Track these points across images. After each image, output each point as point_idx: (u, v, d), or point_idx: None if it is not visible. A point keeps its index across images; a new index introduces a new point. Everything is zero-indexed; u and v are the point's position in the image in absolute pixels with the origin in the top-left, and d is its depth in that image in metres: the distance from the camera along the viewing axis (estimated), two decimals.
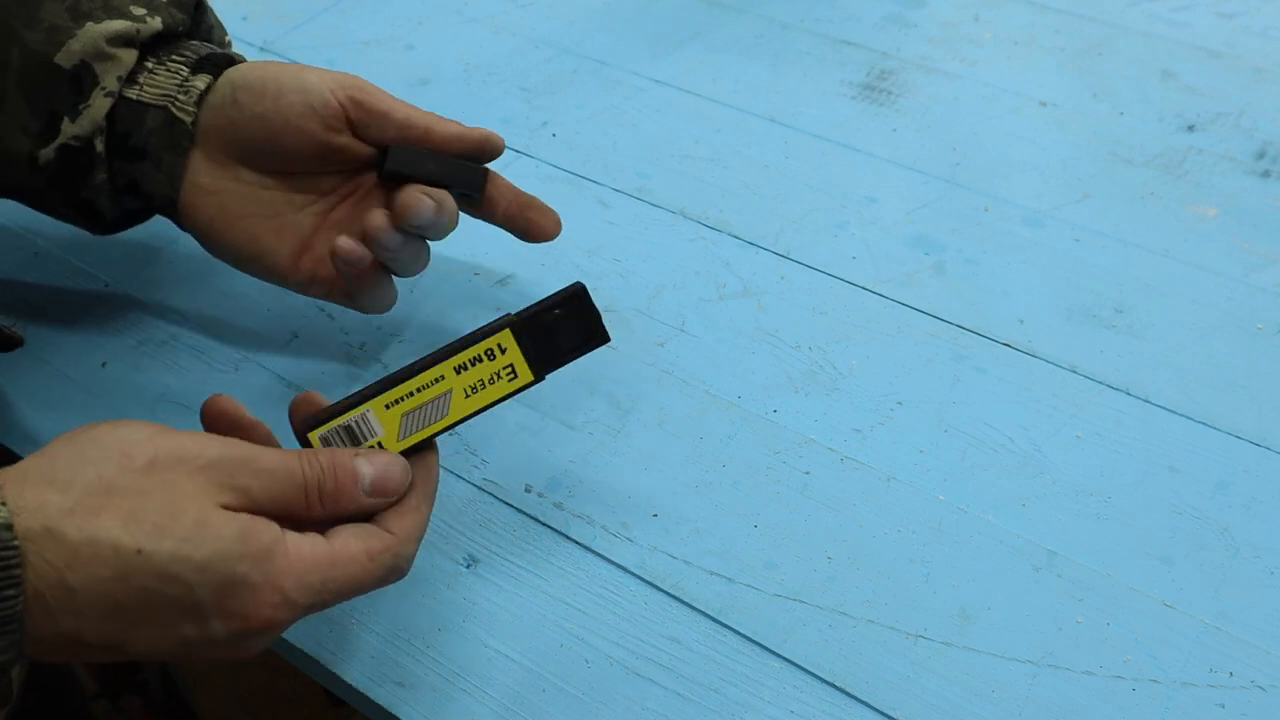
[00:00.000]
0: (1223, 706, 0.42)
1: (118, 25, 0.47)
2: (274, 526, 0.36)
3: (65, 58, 0.47)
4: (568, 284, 0.43)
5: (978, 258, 0.60)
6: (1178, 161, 0.66)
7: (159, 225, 0.65)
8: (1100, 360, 0.55)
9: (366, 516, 0.39)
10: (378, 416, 0.40)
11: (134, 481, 0.35)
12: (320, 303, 0.58)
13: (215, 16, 0.54)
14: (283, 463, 0.37)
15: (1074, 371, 0.54)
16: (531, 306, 0.42)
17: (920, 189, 0.64)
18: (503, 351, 0.41)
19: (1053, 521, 0.48)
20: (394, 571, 0.39)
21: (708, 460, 0.51)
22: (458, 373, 0.41)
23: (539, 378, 0.42)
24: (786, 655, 0.44)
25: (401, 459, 0.40)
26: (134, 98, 0.48)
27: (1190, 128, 0.68)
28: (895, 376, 0.54)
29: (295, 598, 0.36)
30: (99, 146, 0.48)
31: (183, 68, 0.49)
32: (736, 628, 0.45)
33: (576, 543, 0.48)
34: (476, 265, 0.60)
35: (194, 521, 0.34)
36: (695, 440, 0.52)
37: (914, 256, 0.60)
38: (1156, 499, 0.49)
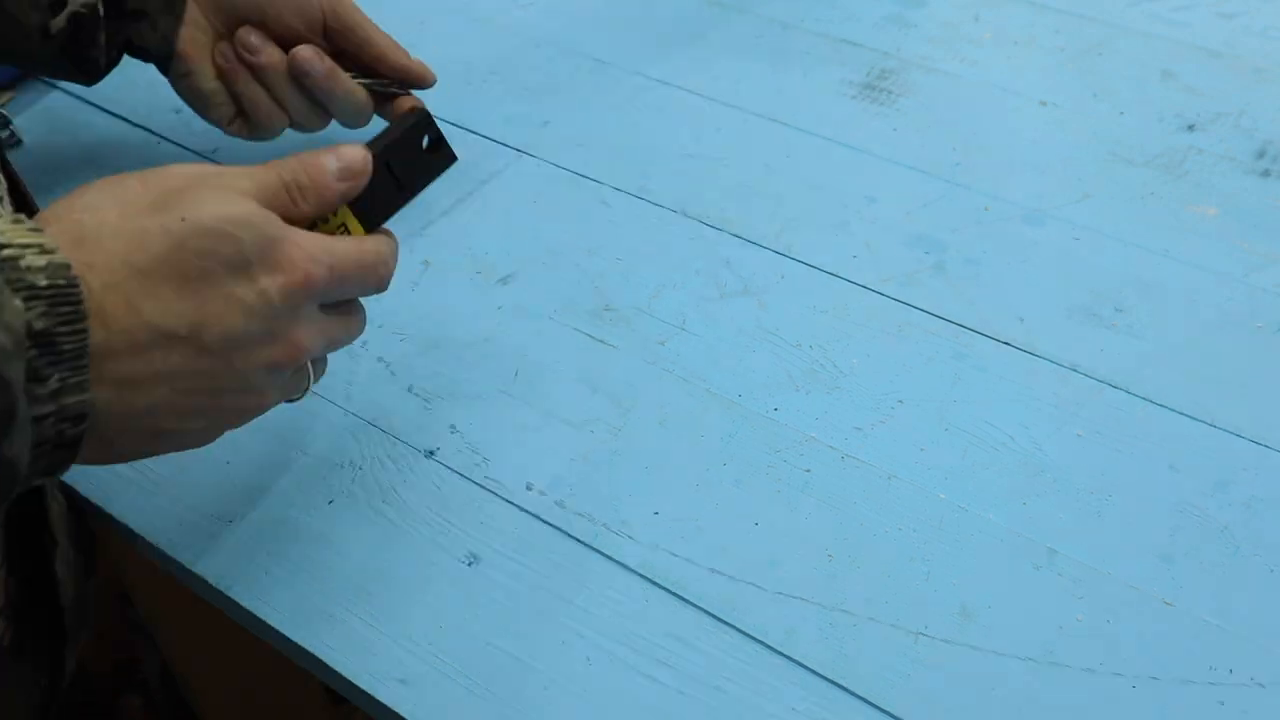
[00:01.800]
0: (1222, 704, 0.42)
1: None
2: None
3: None
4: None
5: (978, 257, 0.60)
6: (1178, 161, 0.66)
7: None
8: (1100, 359, 0.55)
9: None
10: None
11: (157, 189, 0.37)
12: None
13: None
14: (259, 170, 0.41)
15: (1074, 370, 0.54)
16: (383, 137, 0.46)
17: (921, 188, 0.64)
18: None
19: (1053, 519, 0.48)
20: (382, 262, 0.43)
21: (708, 458, 0.51)
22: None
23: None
24: (787, 653, 0.44)
25: (361, 146, 0.43)
26: None
27: (1190, 127, 0.68)
28: (896, 375, 0.54)
29: (318, 255, 0.39)
30: (100, 9, 0.54)
31: None
32: (738, 625, 0.45)
33: (578, 540, 0.48)
34: (477, 265, 0.60)
35: (225, 195, 0.38)
36: (696, 438, 0.52)
37: (914, 255, 0.60)
38: (1156, 497, 0.49)
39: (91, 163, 0.67)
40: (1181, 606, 0.45)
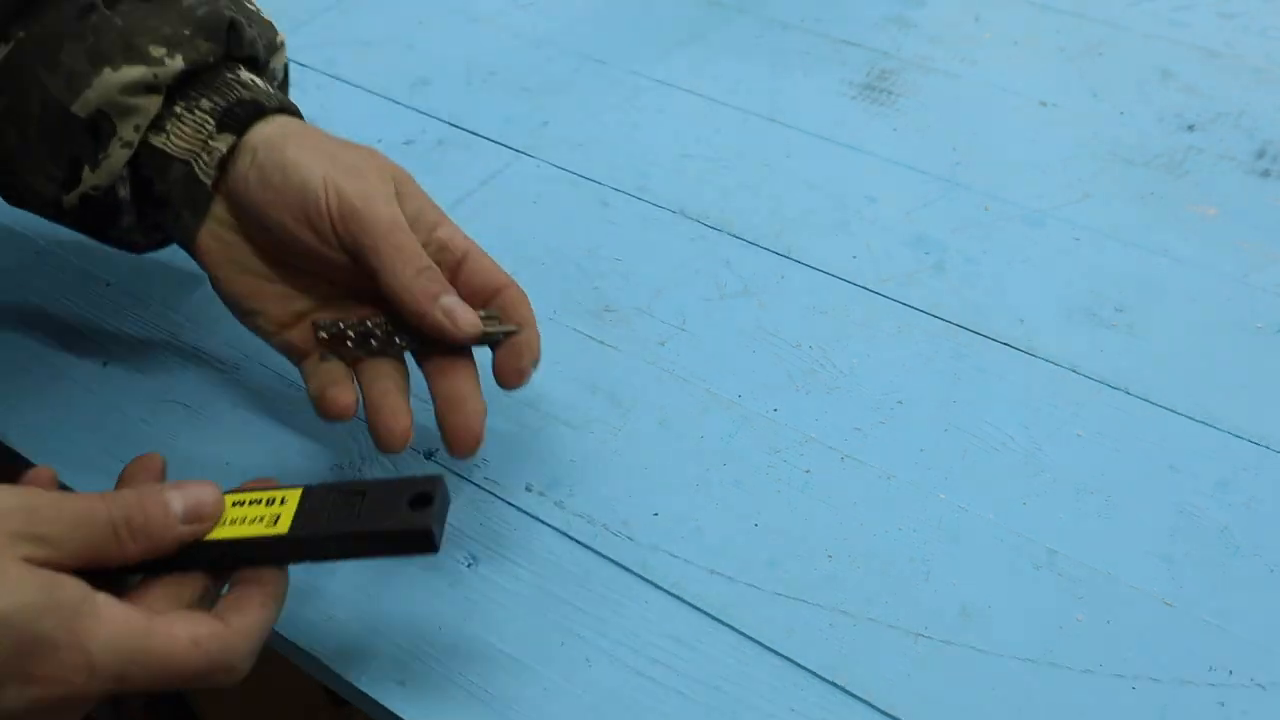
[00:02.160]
0: (1222, 704, 0.42)
1: (134, 73, 0.45)
2: (82, 584, 0.33)
3: (81, 107, 0.45)
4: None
5: (978, 257, 0.60)
6: (1178, 161, 0.66)
7: None
8: (1100, 359, 0.55)
9: (208, 602, 0.37)
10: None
11: None
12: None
13: (259, 24, 0.50)
14: (84, 504, 0.35)
15: (1074, 370, 0.54)
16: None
17: (920, 188, 0.64)
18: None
19: (1053, 520, 0.48)
20: (220, 667, 0.35)
21: (708, 459, 0.51)
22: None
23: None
24: (787, 654, 0.44)
25: (212, 484, 0.37)
26: (160, 145, 0.46)
27: (1190, 127, 0.68)
28: (896, 375, 0.54)
29: (101, 662, 0.33)
30: (122, 192, 0.47)
31: (209, 120, 0.46)
32: (737, 626, 0.45)
33: (577, 541, 0.48)
34: None
35: None
36: (696, 439, 0.52)
37: (914, 256, 0.60)
38: (1157, 497, 0.49)
39: None
40: (1181, 606, 0.45)
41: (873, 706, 0.43)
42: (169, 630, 0.34)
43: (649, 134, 0.69)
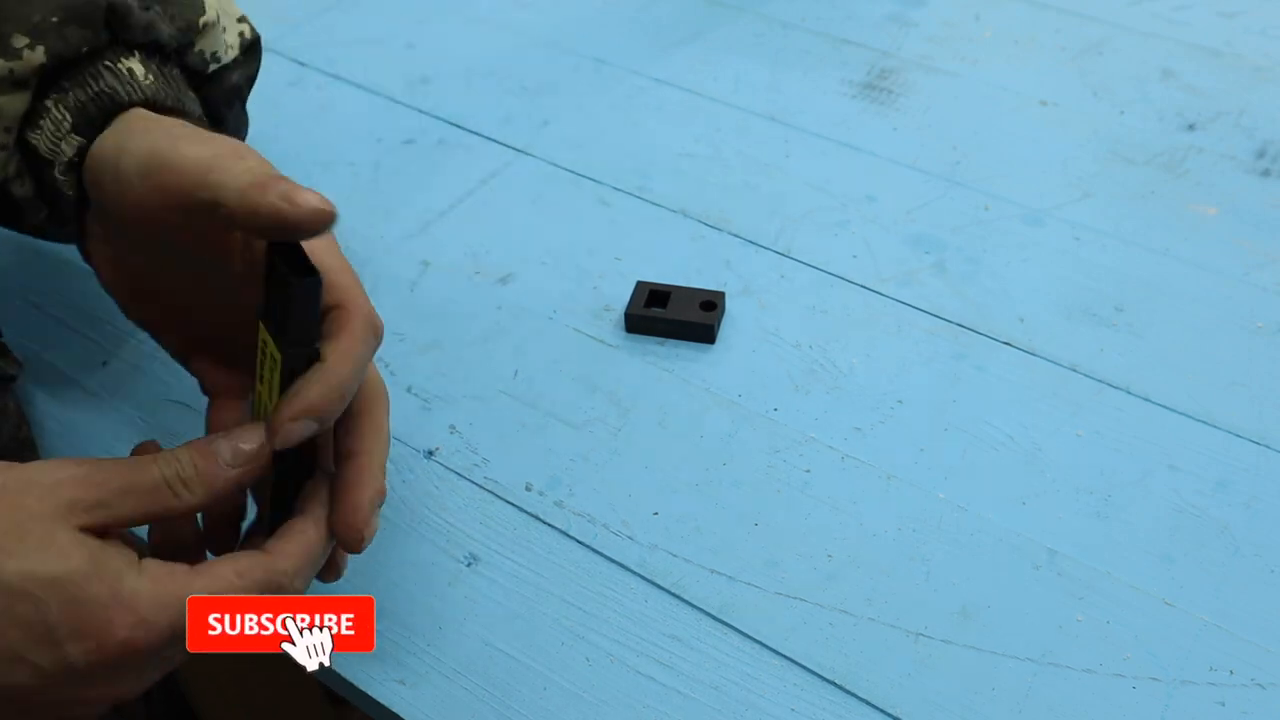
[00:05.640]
0: (1223, 704, 0.42)
1: None
2: (130, 554, 0.35)
3: None
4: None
5: (978, 256, 0.60)
6: (1178, 160, 0.66)
7: None
8: (1100, 359, 0.55)
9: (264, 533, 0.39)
10: None
11: None
12: None
13: (176, 4, 0.46)
14: (135, 468, 0.36)
15: (1074, 370, 0.54)
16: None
17: (920, 188, 0.64)
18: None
19: (1053, 520, 0.48)
20: (270, 588, 0.36)
21: (708, 459, 0.51)
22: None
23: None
24: (787, 653, 0.44)
25: (258, 424, 0.37)
26: (34, 144, 0.42)
27: (1190, 127, 0.68)
28: (895, 375, 0.54)
29: (152, 617, 0.34)
30: (20, 191, 0.44)
31: (67, 117, 0.42)
32: (737, 626, 0.45)
33: (577, 541, 0.48)
34: (476, 265, 0.60)
35: (40, 541, 0.33)
36: (696, 439, 0.52)
37: (914, 255, 0.60)
38: (1157, 497, 0.49)
39: None
40: (1181, 606, 0.45)
41: (873, 706, 0.43)
42: (211, 570, 0.35)
43: (649, 133, 0.69)
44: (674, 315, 0.55)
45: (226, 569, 0.36)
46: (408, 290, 0.59)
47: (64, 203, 0.43)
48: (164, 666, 0.37)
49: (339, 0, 0.81)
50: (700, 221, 0.63)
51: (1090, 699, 0.43)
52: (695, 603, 0.46)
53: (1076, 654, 0.44)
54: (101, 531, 0.35)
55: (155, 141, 0.39)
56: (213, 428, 0.43)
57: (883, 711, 0.42)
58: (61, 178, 0.43)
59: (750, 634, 0.45)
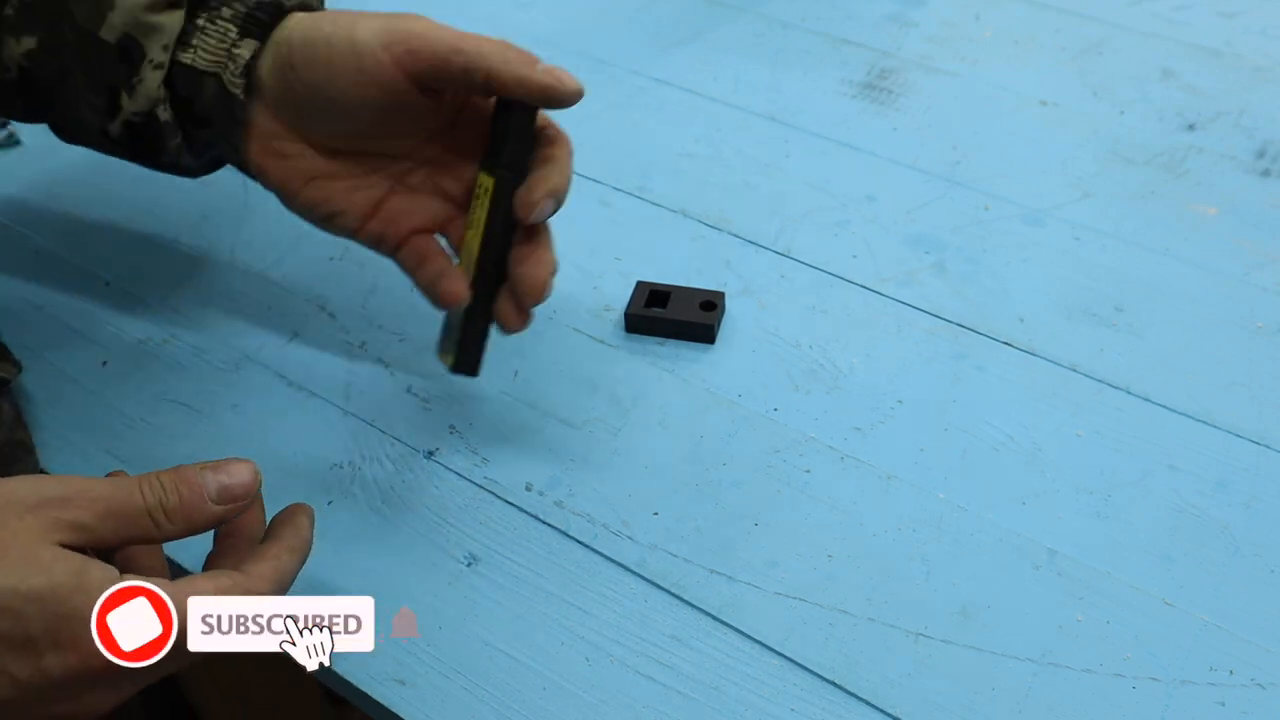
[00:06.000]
0: (1223, 704, 0.42)
1: None
2: (111, 570, 0.35)
3: (109, 31, 0.45)
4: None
5: (978, 256, 0.60)
6: (1178, 160, 0.66)
7: (160, 223, 0.65)
8: (1100, 359, 0.55)
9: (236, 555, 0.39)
10: None
11: None
12: (320, 302, 0.58)
13: None
14: (120, 489, 0.36)
15: (1074, 370, 0.54)
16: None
17: (920, 188, 0.64)
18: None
19: (1053, 520, 0.48)
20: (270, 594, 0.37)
21: (708, 459, 0.51)
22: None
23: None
24: (787, 653, 0.44)
25: (249, 463, 0.39)
26: (189, 63, 0.46)
27: (1190, 127, 0.68)
28: (895, 375, 0.54)
29: None
30: (164, 115, 0.46)
31: (231, 27, 0.46)
32: (737, 626, 0.45)
33: (577, 541, 0.48)
34: None
35: (21, 557, 0.34)
36: (696, 439, 0.52)
37: (914, 255, 0.60)
38: (1157, 497, 0.49)
39: (90, 161, 0.67)
40: (1181, 606, 0.45)
41: (873, 706, 0.43)
42: (191, 587, 0.36)
43: (649, 133, 0.69)
44: (674, 315, 0.55)
45: (206, 585, 0.36)
46: (407, 290, 0.59)
47: (236, 106, 0.46)
48: (139, 683, 0.37)
49: (341, 3, 0.81)
50: (700, 221, 0.63)
51: (1090, 699, 0.43)
52: (695, 603, 0.46)
53: (1076, 654, 0.44)
54: (80, 550, 0.35)
55: (372, 21, 0.44)
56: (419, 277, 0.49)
57: (883, 711, 0.42)
58: (237, 80, 0.45)
59: (750, 634, 0.45)
